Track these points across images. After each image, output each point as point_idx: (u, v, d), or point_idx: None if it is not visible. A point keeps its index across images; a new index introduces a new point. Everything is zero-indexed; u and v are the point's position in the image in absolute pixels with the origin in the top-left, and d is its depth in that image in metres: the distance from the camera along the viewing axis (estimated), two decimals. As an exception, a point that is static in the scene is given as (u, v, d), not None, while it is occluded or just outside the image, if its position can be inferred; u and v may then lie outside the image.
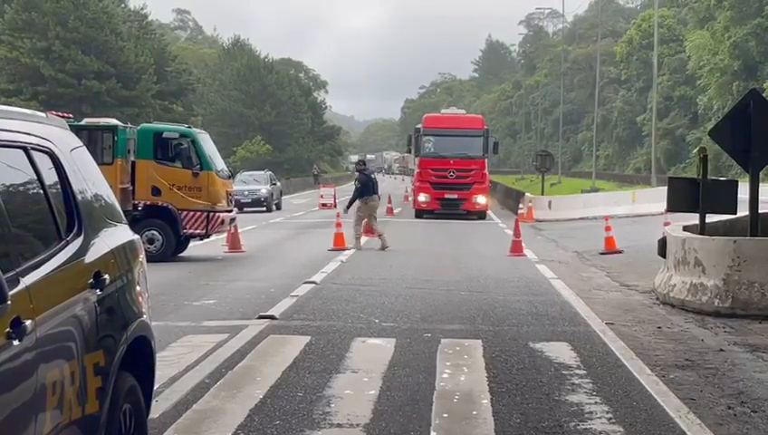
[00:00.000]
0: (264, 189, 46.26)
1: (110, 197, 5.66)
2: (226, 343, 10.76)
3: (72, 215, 4.88)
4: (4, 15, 61.49)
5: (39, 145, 4.72)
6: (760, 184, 14.66)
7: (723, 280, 13.23)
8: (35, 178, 4.56)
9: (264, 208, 44.78)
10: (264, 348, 10.58)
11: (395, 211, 42.05)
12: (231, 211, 22.16)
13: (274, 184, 48.83)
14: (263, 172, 50.52)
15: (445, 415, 7.76)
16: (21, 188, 4.46)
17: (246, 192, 44.11)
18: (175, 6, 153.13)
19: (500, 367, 9.67)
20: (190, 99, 78.82)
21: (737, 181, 16.15)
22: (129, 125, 22.46)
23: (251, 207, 43.45)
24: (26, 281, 4.04)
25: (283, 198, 50.41)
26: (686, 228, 15.51)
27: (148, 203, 20.83)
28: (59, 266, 4.47)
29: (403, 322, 12.45)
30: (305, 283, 16.19)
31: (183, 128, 22.51)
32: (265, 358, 10.05)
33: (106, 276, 4.93)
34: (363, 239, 23.88)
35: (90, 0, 62.93)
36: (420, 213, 39.14)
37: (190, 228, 20.98)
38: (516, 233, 23.06)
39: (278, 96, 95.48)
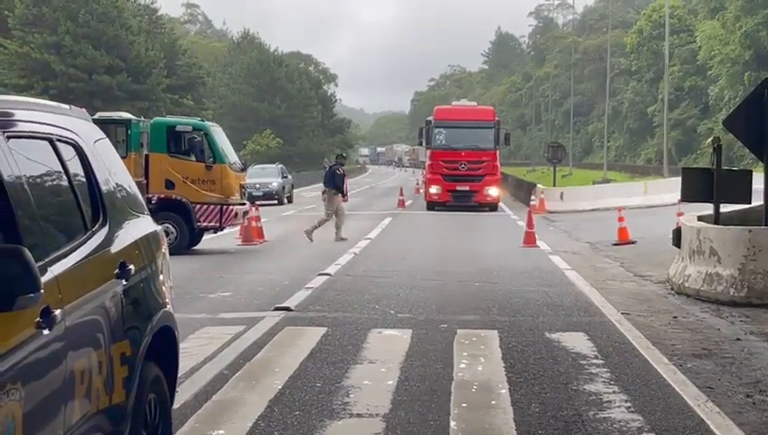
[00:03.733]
0: (275, 182, 46.34)
1: (133, 188, 5.70)
2: (243, 335, 10.81)
3: (97, 206, 4.91)
4: (15, 11, 61.55)
5: (64, 136, 4.75)
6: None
7: (738, 269, 13.22)
8: (61, 169, 4.59)
9: (276, 201, 44.85)
10: (281, 339, 10.62)
11: (407, 203, 42.06)
12: (244, 204, 22.20)
13: (286, 177, 48.88)
14: (274, 165, 50.52)
15: (464, 405, 7.78)
16: (47, 179, 4.49)
17: (258, 185, 44.13)
18: (184, 0, 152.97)
19: (517, 357, 9.69)
20: (200, 92, 78.76)
21: (751, 171, 16.15)
22: (143, 119, 22.50)
23: (262, 201, 43.50)
24: (54, 271, 4.07)
25: (294, 191, 50.46)
26: (700, 218, 15.50)
27: (162, 196, 20.87)
28: (85, 257, 4.50)
29: (418, 313, 12.48)
30: (319, 275, 16.23)
31: (196, 121, 22.57)
32: (283, 349, 10.09)
33: (131, 267, 4.96)
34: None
35: (100, -6, 62.99)
36: (432, 205, 39.14)
37: (204, 221, 21.04)
38: (529, 224, 23.06)
39: (288, 89, 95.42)
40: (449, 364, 9.30)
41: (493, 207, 38.86)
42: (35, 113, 4.55)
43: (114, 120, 21.31)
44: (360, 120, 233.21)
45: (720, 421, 7.27)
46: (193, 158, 21.08)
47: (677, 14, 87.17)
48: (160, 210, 20.54)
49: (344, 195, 24.75)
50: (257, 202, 32.50)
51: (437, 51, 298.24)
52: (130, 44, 63.82)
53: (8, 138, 4.08)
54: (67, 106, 5.21)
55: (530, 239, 22.47)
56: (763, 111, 14.26)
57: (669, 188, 33.61)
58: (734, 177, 15.58)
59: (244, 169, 23.33)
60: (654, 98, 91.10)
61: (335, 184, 24.39)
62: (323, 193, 24.78)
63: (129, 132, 20.76)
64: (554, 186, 46.51)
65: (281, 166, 50.69)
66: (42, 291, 3.62)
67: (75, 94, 58.02)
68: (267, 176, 46.92)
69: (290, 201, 46.75)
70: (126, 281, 4.87)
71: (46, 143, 4.54)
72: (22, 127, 4.32)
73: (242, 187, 22.06)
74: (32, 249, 3.72)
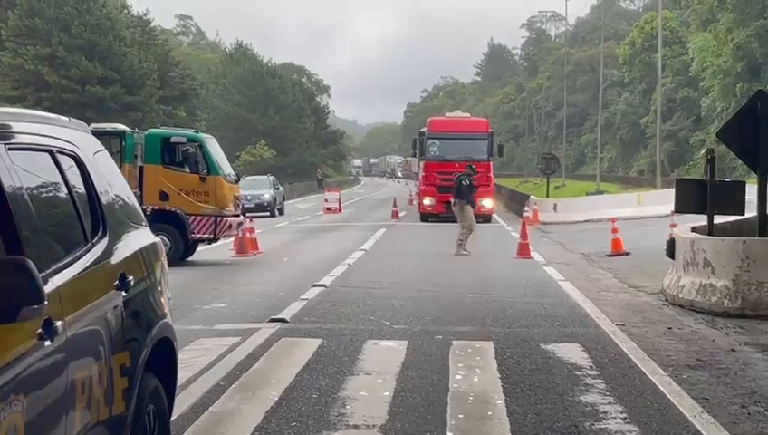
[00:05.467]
0: (267, 194, 46.19)
1: (132, 199, 5.72)
2: (239, 346, 10.81)
3: (97, 217, 4.93)
4: (8, 22, 61.54)
5: (64, 148, 4.78)
6: (768, 185, 14.68)
7: (732, 280, 13.26)
8: (61, 180, 4.62)
9: (268, 213, 44.74)
10: (277, 351, 10.63)
11: (400, 214, 42.10)
12: (238, 215, 22.21)
13: (277, 189, 48.76)
14: (265, 177, 50.33)
15: (460, 416, 7.79)
16: (48, 191, 4.52)
17: (249, 197, 43.99)
18: (177, 12, 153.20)
19: (512, 368, 9.70)
20: (194, 104, 78.78)
21: (745, 182, 16.20)
22: (137, 130, 22.51)
23: (254, 212, 43.37)
24: (55, 282, 4.09)
25: (286, 202, 50.38)
26: (694, 229, 15.56)
27: (157, 208, 20.84)
28: (86, 268, 4.52)
29: (414, 324, 12.49)
30: (314, 286, 16.24)
31: (190, 132, 22.58)
32: (278, 360, 10.09)
33: (131, 278, 4.98)
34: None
35: (93, 6, 63.02)
36: (425, 216, 39.15)
37: (198, 233, 21.04)
38: (523, 235, 23.09)
39: (281, 101, 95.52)
40: (445, 375, 9.31)
41: (486, 218, 38.84)
42: (36, 125, 4.57)
43: (108, 132, 21.30)
44: (353, 131, 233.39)
45: (716, 432, 7.30)
46: (187, 169, 21.09)
47: (670, 25, 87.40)
48: (155, 222, 20.43)
49: (473, 205, 24.61)
50: (249, 214, 32.48)
51: (430, 62, 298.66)
52: (124, 56, 63.86)
53: (9, 150, 4.10)
54: (66, 118, 5.23)
55: (524, 250, 22.51)
56: (757, 123, 14.33)
57: (663, 200, 33.65)
58: (728, 188, 15.65)
59: (237, 181, 23.36)
60: (646, 109, 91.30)
61: (463, 195, 24.34)
62: (454, 205, 24.66)
63: (124, 144, 20.78)
64: (548, 197, 46.61)
65: (272, 177, 50.52)
66: (45, 302, 3.64)
67: (68, 105, 57.96)
68: (259, 187, 46.73)
69: (281, 213, 46.63)
70: (126, 292, 4.89)
71: (47, 155, 4.56)
72: (22, 139, 4.34)
73: (236, 198, 22.08)
74: (33, 260, 3.74)
